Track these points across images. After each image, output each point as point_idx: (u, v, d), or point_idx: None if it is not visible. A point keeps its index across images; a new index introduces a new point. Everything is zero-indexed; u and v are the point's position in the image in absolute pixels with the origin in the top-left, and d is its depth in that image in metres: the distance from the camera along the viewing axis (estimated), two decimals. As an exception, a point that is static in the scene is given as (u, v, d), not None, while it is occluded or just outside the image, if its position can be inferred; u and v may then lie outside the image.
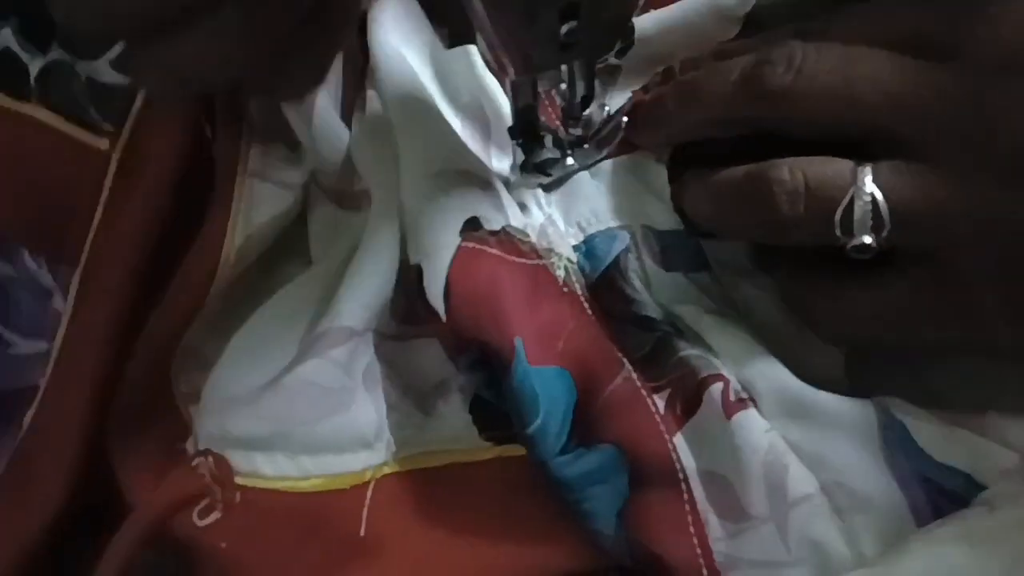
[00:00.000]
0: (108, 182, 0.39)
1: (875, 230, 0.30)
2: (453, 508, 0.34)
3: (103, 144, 0.39)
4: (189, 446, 0.37)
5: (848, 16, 0.33)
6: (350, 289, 0.36)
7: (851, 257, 0.31)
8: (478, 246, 0.35)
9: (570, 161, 0.38)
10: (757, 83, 0.32)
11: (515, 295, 0.34)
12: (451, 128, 0.37)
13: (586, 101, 0.36)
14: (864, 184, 0.30)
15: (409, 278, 0.36)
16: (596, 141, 0.38)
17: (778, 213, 0.31)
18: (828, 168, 0.31)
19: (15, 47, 0.39)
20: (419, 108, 0.37)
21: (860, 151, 0.31)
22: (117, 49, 0.39)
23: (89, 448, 0.39)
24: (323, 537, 0.34)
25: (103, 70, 0.40)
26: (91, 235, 0.39)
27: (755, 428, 0.32)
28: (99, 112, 0.39)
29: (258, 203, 0.38)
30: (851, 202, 0.30)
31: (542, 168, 0.37)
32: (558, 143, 0.38)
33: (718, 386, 0.32)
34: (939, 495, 0.30)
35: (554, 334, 0.34)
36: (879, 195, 0.30)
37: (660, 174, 0.37)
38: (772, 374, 0.33)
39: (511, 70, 0.33)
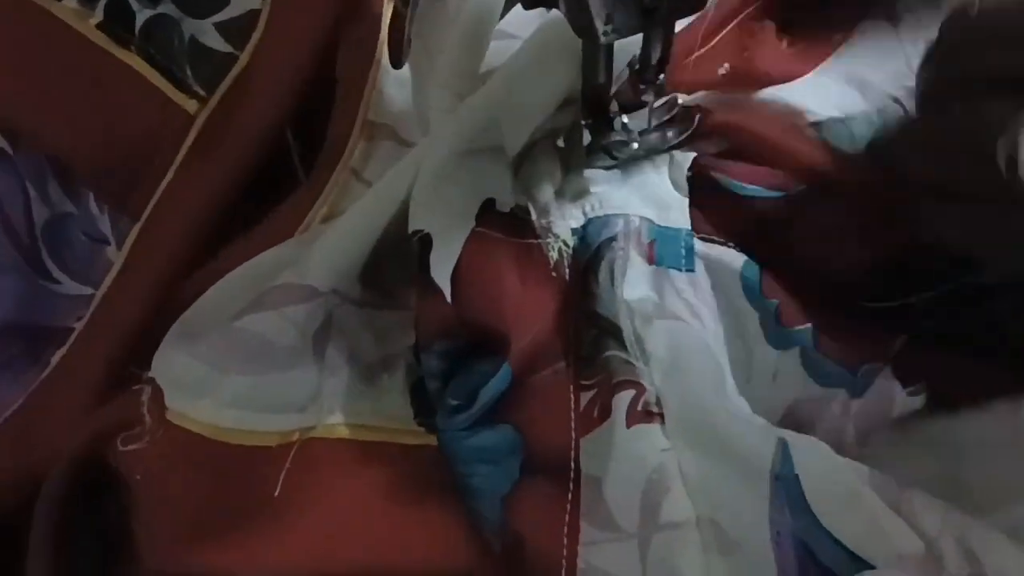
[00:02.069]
0: (187, 145, 0.39)
1: None
2: (367, 485, 0.34)
3: (191, 106, 0.39)
4: (146, 372, 0.37)
5: None
6: (325, 245, 0.35)
7: None
8: (488, 231, 0.35)
9: (635, 146, 0.37)
10: None
11: (513, 284, 0.34)
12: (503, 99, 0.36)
13: (661, 65, 0.35)
14: None
15: (394, 245, 0.35)
16: (666, 129, 0.37)
17: None
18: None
19: (128, -6, 0.40)
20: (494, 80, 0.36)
21: None
22: (225, 12, 0.39)
23: (112, 394, 0.39)
24: (237, 491, 0.34)
25: (208, 31, 0.39)
26: (158, 194, 0.39)
27: (652, 443, 0.31)
28: (194, 73, 0.39)
29: (345, 198, 0.38)
30: None
31: (608, 150, 0.37)
32: (627, 128, 0.37)
33: (628, 393, 0.32)
34: (811, 564, 0.29)
35: (529, 324, 0.34)
36: None
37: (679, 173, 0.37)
38: (686, 394, 0.32)
39: (592, 33, 0.32)
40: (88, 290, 0.41)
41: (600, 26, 0.31)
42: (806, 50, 0.38)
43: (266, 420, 0.35)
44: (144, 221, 0.39)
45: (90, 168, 0.40)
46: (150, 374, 0.36)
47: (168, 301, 0.38)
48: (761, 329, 0.35)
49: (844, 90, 0.37)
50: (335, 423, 0.35)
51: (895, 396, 0.32)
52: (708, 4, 0.35)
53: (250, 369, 0.35)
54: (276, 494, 0.34)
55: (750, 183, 0.35)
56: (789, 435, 0.31)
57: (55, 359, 0.40)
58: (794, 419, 0.34)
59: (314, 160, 0.39)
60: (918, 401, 0.32)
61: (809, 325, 0.34)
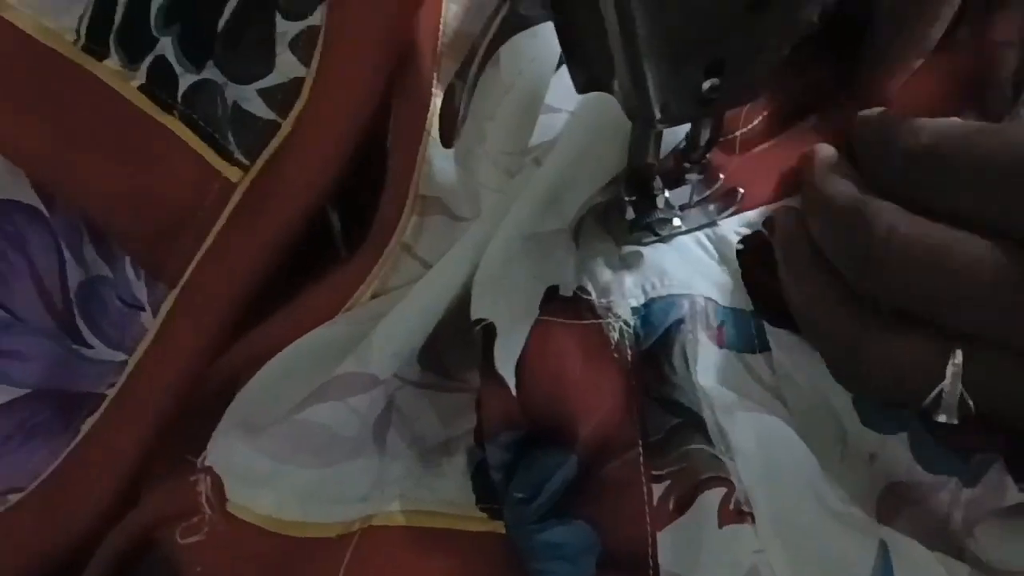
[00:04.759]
0: (227, 212, 0.38)
1: (960, 410, 0.30)
2: (432, 574, 0.33)
3: (233, 173, 0.38)
4: (200, 460, 0.36)
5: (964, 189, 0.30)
6: (388, 332, 0.35)
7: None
8: (551, 319, 0.34)
9: (677, 222, 0.37)
10: (852, 237, 0.31)
11: (576, 372, 0.34)
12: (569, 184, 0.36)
13: (710, 145, 0.35)
14: (949, 381, 0.29)
15: (453, 326, 0.35)
16: (707, 204, 0.37)
17: (872, 389, 0.32)
18: (914, 355, 0.30)
19: (171, 58, 0.39)
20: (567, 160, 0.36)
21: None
22: (269, 79, 0.39)
23: (143, 468, 0.38)
24: None
25: (252, 98, 0.39)
26: (195, 261, 0.38)
27: (744, 545, 0.30)
28: (237, 140, 0.38)
29: (395, 274, 0.37)
30: (939, 392, 0.30)
31: (651, 228, 0.37)
32: (668, 203, 0.37)
33: (718, 491, 0.31)
34: None
35: (593, 409, 0.33)
36: (967, 395, 0.29)
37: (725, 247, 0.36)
38: (777, 491, 0.31)
39: (646, 119, 0.32)
40: (121, 356, 0.40)
41: (656, 114, 0.31)
42: None
43: (329, 511, 0.34)
44: (180, 289, 0.38)
45: (127, 231, 0.39)
46: (207, 463, 0.35)
47: (205, 374, 0.37)
48: (855, 410, 0.34)
49: None
50: (394, 511, 0.34)
51: (1007, 490, 0.31)
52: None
53: (315, 462, 0.34)
54: None
55: None
56: (889, 535, 0.30)
57: (86, 427, 0.39)
58: (897, 498, 0.33)
59: (356, 233, 0.39)
60: None
61: None
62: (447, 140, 0.35)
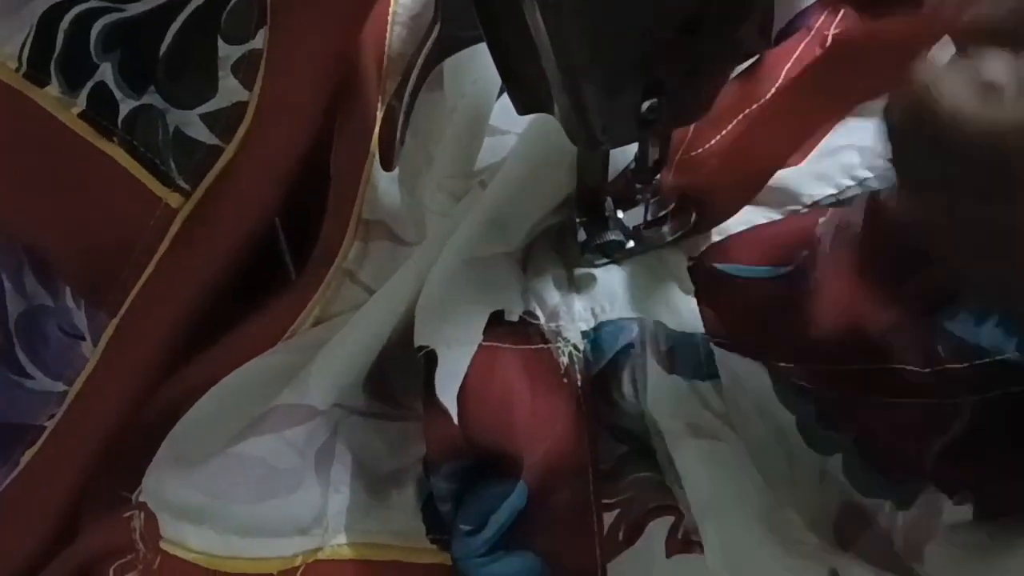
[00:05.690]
0: (168, 239, 0.38)
1: None
2: None
3: (174, 199, 0.38)
4: (135, 496, 0.36)
5: None
6: (327, 361, 0.34)
7: None
8: (496, 344, 0.34)
9: (631, 244, 0.36)
10: None
11: (524, 399, 0.33)
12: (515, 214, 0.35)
13: (658, 165, 0.35)
14: None
15: (399, 352, 0.34)
16: (661, 225, 0.37)
17: None
18: None
19: (111, 84, 0.38)
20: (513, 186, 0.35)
21: None
22: (212, 103, 0.38)
23: (82, 502, 0.38)
24: None
25: (193, 122, 0.38)
26: (136, 289, 0.38)
27: (693, 575, 0.30)
28: (178, 166, 0.38)
29: (337, 300, 0.37)
30: None
31: (603, 250, 0.36)
32: (621, 225, 0.36)
33: (665, 520, 0.31)
34: None
35: (542, 436, 0.33)
36: None
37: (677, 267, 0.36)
38: (726, 521, 0.31)
39: (588, 142, 0.31)
40: (61, 387, 0.39)
41: (597, 136, 0.31)
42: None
43: (267, 546, 0.34)
44: (120, 317, 0.38)
45: (67, 261, 0.39)
46: (142, 498, 0.35)
47: (147, 404, 0.37)
48: (800, 433, 0.33)
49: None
50: (341, 543, 0.34)
51: (943, 508, 0.31)
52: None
53: (250, 496, 0.34)
54: None
55: (751, 262, 0.34)
56: (840, 563, 0.30)
57: (24, 459, 0.38)
58: (853, 519, 0.33)
59: (305, 256, 0.38)
60: (967, 511, 0.31)
61: (855, 425, 0.33)
62: (387, 163, 0.34)
